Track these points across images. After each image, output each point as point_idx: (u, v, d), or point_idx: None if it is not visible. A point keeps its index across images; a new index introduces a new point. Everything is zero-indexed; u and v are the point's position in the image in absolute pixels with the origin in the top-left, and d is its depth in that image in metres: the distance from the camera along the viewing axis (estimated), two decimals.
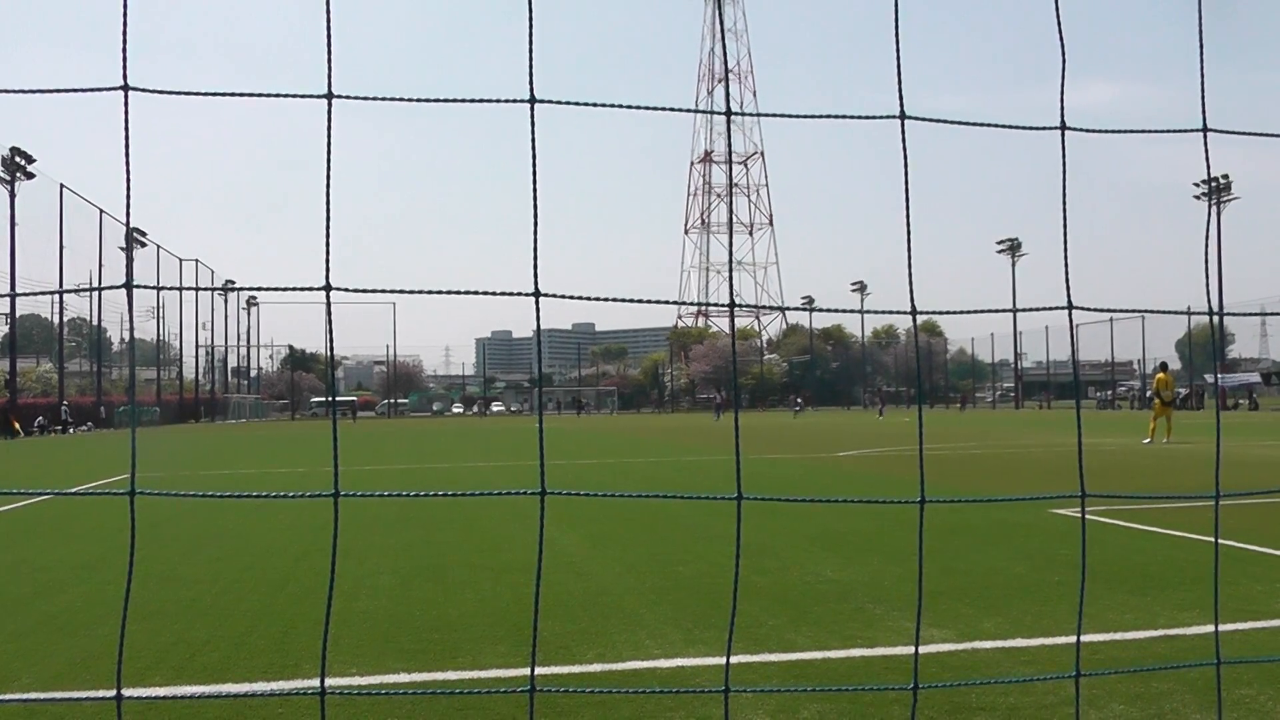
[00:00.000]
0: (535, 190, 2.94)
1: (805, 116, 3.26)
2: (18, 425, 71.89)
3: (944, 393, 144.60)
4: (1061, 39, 3.23)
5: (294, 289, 2.79)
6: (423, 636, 8.41)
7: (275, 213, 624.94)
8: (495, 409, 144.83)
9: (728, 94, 3.33)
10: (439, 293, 2.88)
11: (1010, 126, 3.27)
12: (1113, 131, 3.23)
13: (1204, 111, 3.29)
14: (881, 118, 3.15)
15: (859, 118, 3.18)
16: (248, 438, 61.01)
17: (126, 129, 2.79)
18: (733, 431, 3.05)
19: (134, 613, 9.30)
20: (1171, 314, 4.24)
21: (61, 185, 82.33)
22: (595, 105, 2.96)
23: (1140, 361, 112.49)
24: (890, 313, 3.20)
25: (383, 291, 2.79)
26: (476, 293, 2.97)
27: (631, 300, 2.96)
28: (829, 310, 3.10)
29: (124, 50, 2.73)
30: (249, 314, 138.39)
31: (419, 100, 2.91)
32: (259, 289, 2.77)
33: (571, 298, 2.99)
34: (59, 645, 8.38)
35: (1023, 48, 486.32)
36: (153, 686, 7.07)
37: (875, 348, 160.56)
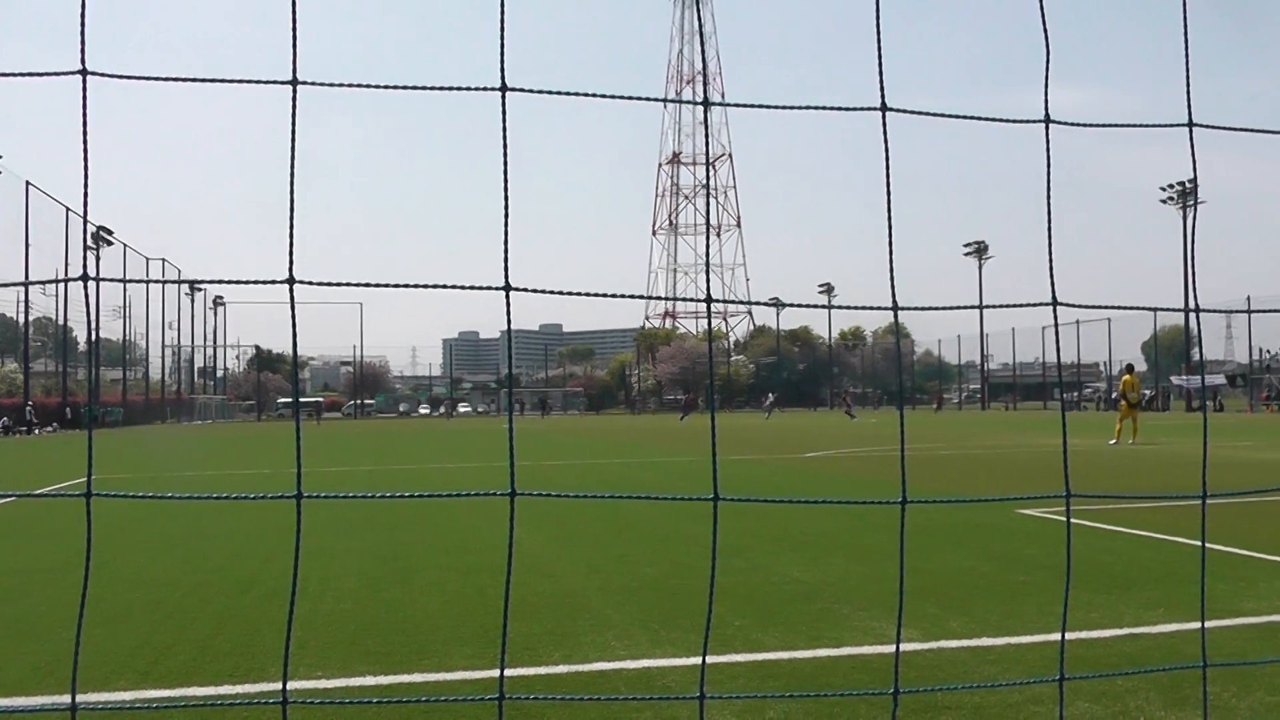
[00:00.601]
0: (506, 180, 2.89)
1: (781, 108, 3.22)
2: None
3: (911, 394, 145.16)
4: (1046, 33, 3.20)
5: (257, 282, 2.74)
6: (389, 638, 8.35)
7: (244, 213, 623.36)
8: (462, 410, 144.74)
9: (705, 88, 3.29)
10: (406, 286, 2.83)
11: (993, 120, 3.23)
12: (1095, 125, 3.20)
13: (1189, 107, 3.27)
14: (863, 109, 3.11)
15: (839, 109, 3.14)
16: (213, 439, 60.82)
17: (85, 114, 2.74)
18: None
19: (98, 616, 9.23)
20: (1147, 310, 4.23)
21: (28, 183, 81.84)
22: (567, 94, 2.92)
23: (1107, 364, 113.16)
24: (870, 308, 3.17)
25: (347, 285, 2.73)
26: (445, 286, 2.92)
27: (604, 295, 2.92)
28: (800, 305, 3.05)
29: (82, 33, 2.67)
30: (215, 314, 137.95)
31: (388, 87, 2.85)
32: (223, 282, 2.72)
33: (541, 291, 2.95)
34: (21, 651, 8.28)
35: (997, 53, 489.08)
36: (117, 691, 7.00)
37: (842, 349, 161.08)
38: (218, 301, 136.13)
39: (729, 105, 2.87)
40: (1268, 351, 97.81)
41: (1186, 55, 3.23)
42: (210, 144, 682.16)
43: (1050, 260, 3.21)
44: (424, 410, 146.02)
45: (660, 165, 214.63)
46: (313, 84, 2.77)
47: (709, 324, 2.84)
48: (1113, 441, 35.15)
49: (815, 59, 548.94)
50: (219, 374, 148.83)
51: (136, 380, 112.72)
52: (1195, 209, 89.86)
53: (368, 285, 2.67)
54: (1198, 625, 8.35)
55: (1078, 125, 3.24)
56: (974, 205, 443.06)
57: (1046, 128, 3.16)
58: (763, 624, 8.63)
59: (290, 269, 2.76)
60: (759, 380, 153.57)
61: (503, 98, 2.86)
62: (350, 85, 2.77)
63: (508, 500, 3.06)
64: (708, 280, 3.27)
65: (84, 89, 2.73)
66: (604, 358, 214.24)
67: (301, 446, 3.00)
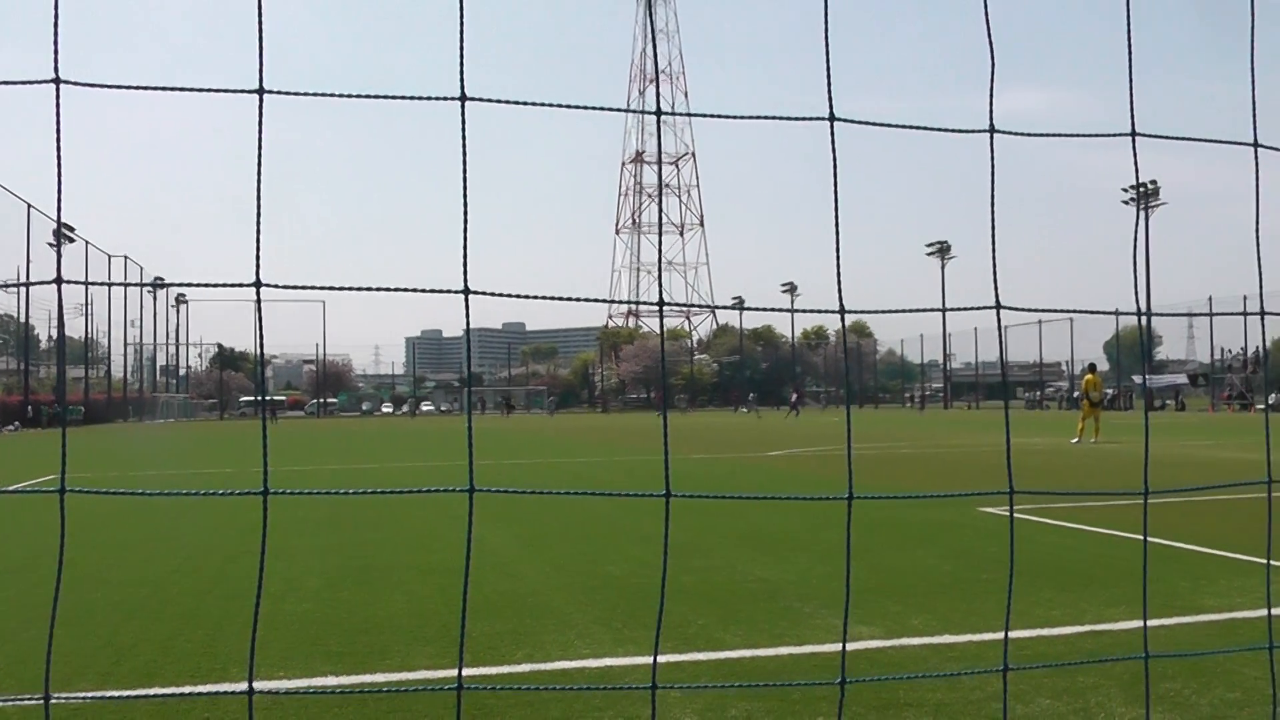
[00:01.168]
0: (465, 188, 2.94)
1: (736, 117, 3.28)
2: None
3: (874, 393, 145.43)
4: (991, 43, 3.26)
5: (223, 285, 2.77)
6: (351, 638, 8.36)
7: (206, 211, 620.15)
8: (425, 409, 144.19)
9: (658, 94, 3.34)
10: (369, 289, 2.88)
11: (939, 129, 3.30)
12: (1040, 135, 3.27)
13: (1132, 116, 3.33)
14: (811, 119, 3.17)
15: (788, 119, 3.20)
16: (176, 438, 60.45)
17: (58, 123, 2.77)
18: (664, 432, 3.06)
19: (60, 616, 9.17)
20: (1099, 314, 4.29)
21: None
22: (526, 104, 2.97)
23: (1069, 363, 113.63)
24: (820, 311, 3.22)
25: (312, 288, 2.77)
26: (406, 289, 2.97)
27: (562, 298, 2.97)
28: (761, 309, 3.11)
29: (55, 43, 2.71)
30: (178, 312, 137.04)
31: (351, 96, 2.90)
32: (189, 285, 2.76)
33: (501, 295, 2.99)
34: None
35: (955, 54, 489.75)
36: (80, 690, 7.00)
37: (805, 348, 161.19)
38: (180, 300, 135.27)
39: (678, 115, 2.92)
40: (1229, 351, 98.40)
41: (1130, 64, 3.30)
42: (174, 142, 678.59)
43: (994, 264, 3.28)
44: (387, 409, 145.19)
45: (624, 164, 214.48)
46: (279, 93, 2.81)
47: (660, 327, 2.88)
48: (1075, 440, 35.36)
49: (780, 58, 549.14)
50: (181, 372, 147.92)
51: (99, 379, 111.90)
52: (1147, 214, 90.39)
53: (330, 289, 2.72)
54: (1159, 621, 8.44)
55: (1020, 135, 3.31)
56: (941, 205, 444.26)
57: (991, 137, 3.22)
58: (724, 623, 8.67)
59: (257, 273, 2.80)
60: (722, 379, 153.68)
61: (462, 107, 2.90)
62: (314, 95, 2.81)
63: (469, 498, 3.10)
64: (659, 286, 3.32)
65: (57, 98, 2.76)
66: (567, 356, 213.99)
67: (267, 445, 3.04)
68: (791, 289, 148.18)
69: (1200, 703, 6.37)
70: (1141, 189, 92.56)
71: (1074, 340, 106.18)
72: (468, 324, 2.92)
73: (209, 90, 2.81)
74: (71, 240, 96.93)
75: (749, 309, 2.91)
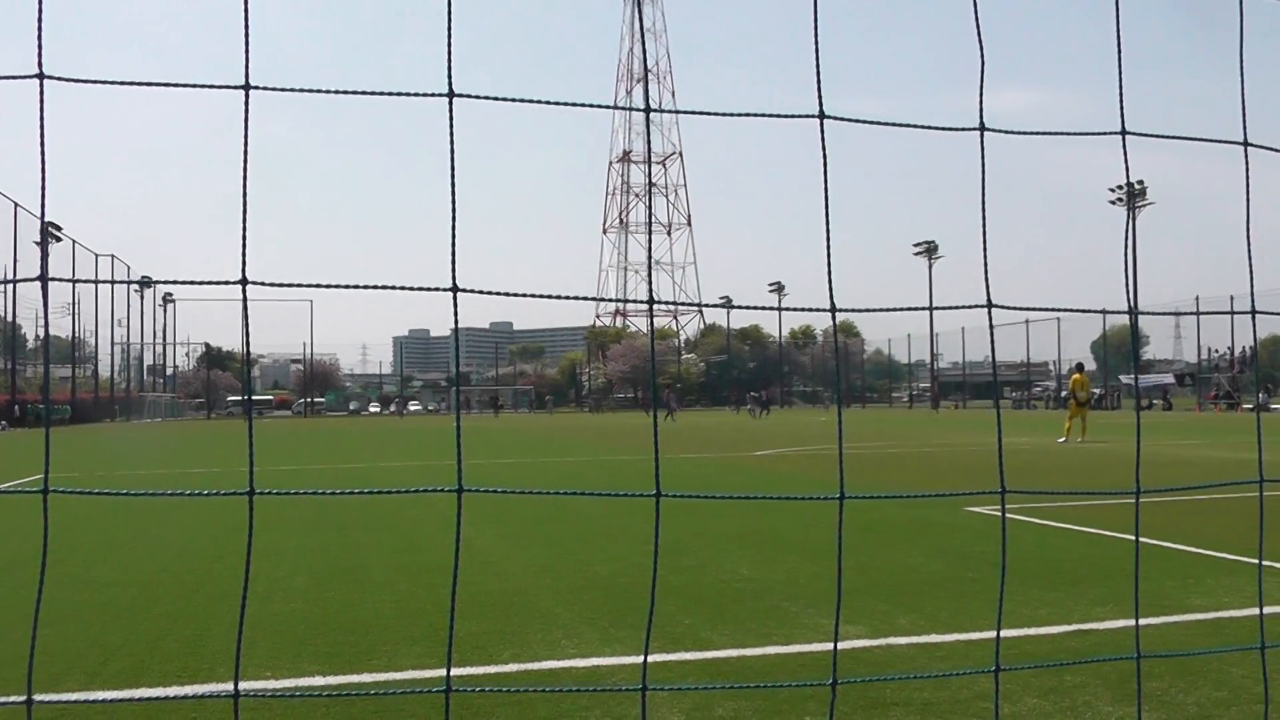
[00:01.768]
0: (454, 184, 2.92)
1: (724, 115, 3.26)
2: None
3: (861, 393, 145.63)
4: (980, 41, 3.25)
5: (210, 283, 2.75)
6: (338, 638, 8.34)
7: (192, 207, 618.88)
8: (412, 408, 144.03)
9: (646, 92, 3.33)
10: (356, 287, 2.86)
11: (929, 127, 3.29)
12: (1030, 134, 3.26)
13: (1122, 114, 3.32)
14: (800, 116, 3.16)
15: (778, 116, 3.19)
16: (163, 437, 60.33)
17: (42, 118, 2.75)
18: (654, 431, 3.05)
19: (45, 616, 9.16)
20: (1087, 313, 4.29)
21: None
22: (513, 100, 2.95)
23: (1056, 362, 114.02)
24: (810, 310, 3.21)
25: (299, 286, 2.75)
26: (393, 287, 2.95)
27: (550, 296, 2.95)
28: (749, 308, 3.10)
29: (39, 37, 2.69)
30: (165, 311, 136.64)
31: (337, 92, 2.88)
32: (175, 282, 2.74)
33: (489, 293, 2.97)
34: None
35: (945, 53, 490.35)
36: (66, 692, 6.97)
37: (793, 348, 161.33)
38: (167, 299, 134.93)
39: (666, 111, 2.91)
40: (1216, 351, 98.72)
41: (1120, 63, 3.29)
42: (161, 140, 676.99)
43: (985, 263, 3.27)
44: (374, 408, 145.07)
45: (611, 163, 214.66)
46: (266, 89, 2.79)
47: (650, 325, 2.88)
48: (1062, 440, 35.45)
49: (768, 58, 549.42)
50: (169, 372, 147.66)
51: (85, 378, 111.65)
52: (1135, 213, 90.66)
53: (318, 286, 2.70)
54: (1147, 621, 8.44)
55: (1010, 133, 3.30)
56: (927, 204, 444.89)
57: (981, 135, 3.21)
58: (712, 622, 8.66)
59: (243, 271, 2.78)
60: (709, 379, 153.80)
61: (450, 103, 2.88)
62: (301, 90, 2.79)
63: (457, 498, 3.08)
64: (650, 285, 3.31)
65: (41, 93, 2.75)
66: (555, 356, 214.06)
67: (254, 444, 3.02)
68: (779, 289, 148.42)
69: (1187, 701, 6.37)
70: (1129, 188, 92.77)
71: (1061, 340, 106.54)
72: (455, 321, 2.90)
73: (195, 85, 2.79)
74: (58, 239, 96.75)
75: (737, 307, 2.90)
